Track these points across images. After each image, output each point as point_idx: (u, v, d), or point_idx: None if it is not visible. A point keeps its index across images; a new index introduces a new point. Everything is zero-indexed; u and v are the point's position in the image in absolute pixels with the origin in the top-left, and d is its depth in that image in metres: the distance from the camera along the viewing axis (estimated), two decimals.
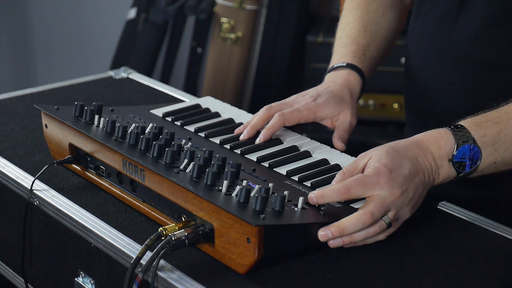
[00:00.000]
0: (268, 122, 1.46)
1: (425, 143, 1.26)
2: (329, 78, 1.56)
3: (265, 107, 1.48)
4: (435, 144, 1.26)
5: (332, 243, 1.19)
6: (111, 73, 2.04)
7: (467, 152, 1.26)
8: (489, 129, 1.27)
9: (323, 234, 1.18)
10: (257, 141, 1.44)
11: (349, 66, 1.56)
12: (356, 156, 1.40)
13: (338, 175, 1.24)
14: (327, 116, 1.48)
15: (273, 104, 1.49)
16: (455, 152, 1.25)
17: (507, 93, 1.34)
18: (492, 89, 1.42)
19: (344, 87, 1.52)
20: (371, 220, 1.18)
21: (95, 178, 1.43)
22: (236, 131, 1.48)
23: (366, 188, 1.19)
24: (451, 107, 1.47)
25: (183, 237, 1.17)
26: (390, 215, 1.21)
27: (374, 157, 1.22)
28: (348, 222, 1.18)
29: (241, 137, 1.46)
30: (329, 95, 1.49)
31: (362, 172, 1.23)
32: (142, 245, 1.17)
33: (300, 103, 1.49)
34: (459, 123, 1.28)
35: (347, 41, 1.62)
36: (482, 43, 1.42)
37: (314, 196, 1.20)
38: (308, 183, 1.30)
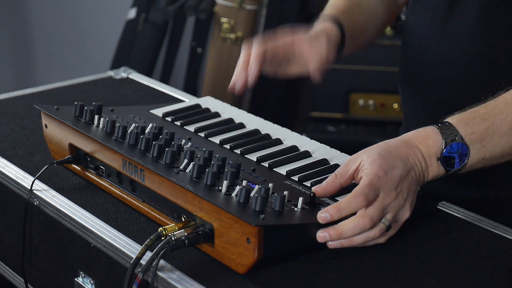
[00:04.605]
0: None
1: (413, 142, 1.26)
2: None
3: (243, 50, 1.46)
4: (424, 144, 1.26)
5: (331, 245, 1.19)
6: (111, 73, 2.04)
7: (455, 150, 1.26)
8: (476, 126, 1.27)
9: (321, 235, 1.18)
10: (249, 70, 1.42)
11: (325, 19, 1.57)
12: None
13: (330, 177, 1.23)
14: (304, 37, 1.48)
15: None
16: (443, 151, 1.25)
17: (501, 83, 1.35)
18: (487, 80, 1.43)
19: (320, 31, 1.53)
20: (370, 223, 1.18)
21: (95, 178, 1.43)
22: (230, 85, 1.45)
23: (377, 190, 1.19)
24: (447, 99, 1.48)
25: (183, 237, 1.18)
26: (388, 217, 1.20)
27: (366, 160, 1.21)
28: (346, 226, 1.18)
29: (234, 77, 1.43)
30: (305, 33, 1.50)
31: (354, 176, 1.23)
32: (142, 245, 1.17)
33: None
34: (446, 120, 1.28)
35: (328, 8, 1.64)
36: (476, 33, 1.43)
37: (328, 213, 1.17)
38: (308, 183, 1.30)
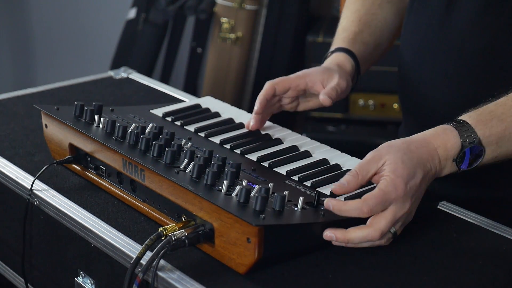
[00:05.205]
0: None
1: (432, 144, 1.25)
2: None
3: (259, 93, 1.50)
4: (442, 147, 1.25)
5: (335, 243, 1.20)
6: (111, 73, 2.04)
7: (471, 152, 1.26)
8: (494, 128, 1.26)
9: (328, 235, 1.18)
10: (254, 109, 1.46)
11: (338, 49, 1.60)
12: (356, 157, 1.40)
13: (351, 176, 1.21)
14: (317, 79, 1.50)
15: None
16: (461, 154, 1.25)
17: (501, 80, 1.35)
18: (486, 77, 1.43)
19: (332, 63, 1.56)
20: (379, 237, 1.18)
21: (95, 178, 1.43)
22: (246, 125, 1.50)
23: (386, 204, 1.18)
24: (446, 99, 1.48)
25: (183, 237, 1.18)
26: (397, 226, 1.21)
27: (389, 166, 1.20)
28: (355, 235, 1.18)
29: (251, 126, 1.48)
30: (317, 67, 1.53)
31: (374, 174, 1.22)
32: (142, 245, 1.17)
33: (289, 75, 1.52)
34: (464, 119, 1.27)
35: (340, 32, 1.65)
36: (475, 30, 1.43)
37: (331, 206, 1.18)
38: (308, 183, 1.30)
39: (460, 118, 1.28)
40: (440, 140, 1.26)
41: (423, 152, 1.23)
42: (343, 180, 1.22)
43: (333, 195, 1.24)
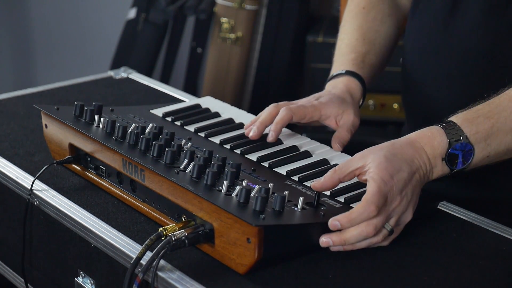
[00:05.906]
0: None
1: (418, 143, 1.26)
2: (329, 85, 1.58)
3: (272, 104, 1.48)
4: (429, 145, 1.26)
5: (333, 248, 1.20)
6: (111, 73, 2.04)
7: (460, 150, 1.26)
8: (481, 125, 1.27)
9: (325, 241, 1.19)
10: (269, 138, 1.44)
11: (348, 73, 1.58)
12: None
13: (329, 172, 1.23)
14: (331, 114, 1.49)
15: (279, 103, 1.50)
16: (449, 151, 1.26)
17: (504, 81, 1.35)
18: (489, 78, 1.43)
19: (345, 91, 1.54)
20: (374, 232, 1.18)
21: (95, 178, 1.43)
22: (245, 128, 1.47)
23: (385, 197, 1.19)
24: (449, 100, 1.48)
25: (183, 237, 1.18)
26: (391, 222, 1.21)
27: (372, 162, 1.21)
28: (350, 234, 1.18)
29: (251, 134, 1.45)
30: (332, 96, 1.51)
31: (355, 174, 1.22)
32: (142, 245, 1.17)
33: (304, 102, 1.50)
34: (451, 119, 1.28)
35: (346, 50, 1.63)
36: (479, 32, 1.43)
37: (339, 222, 1.18)
38: (308, 183, 1.30)
39: (447, 119, 1.29)
40: (425, 139, 1.26)
41: (408, 150, 1.24)
42: (322, 177, 1.23)
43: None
